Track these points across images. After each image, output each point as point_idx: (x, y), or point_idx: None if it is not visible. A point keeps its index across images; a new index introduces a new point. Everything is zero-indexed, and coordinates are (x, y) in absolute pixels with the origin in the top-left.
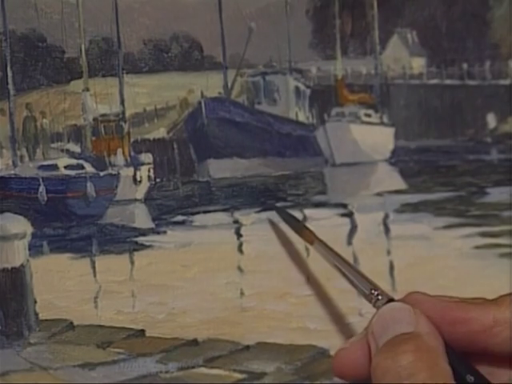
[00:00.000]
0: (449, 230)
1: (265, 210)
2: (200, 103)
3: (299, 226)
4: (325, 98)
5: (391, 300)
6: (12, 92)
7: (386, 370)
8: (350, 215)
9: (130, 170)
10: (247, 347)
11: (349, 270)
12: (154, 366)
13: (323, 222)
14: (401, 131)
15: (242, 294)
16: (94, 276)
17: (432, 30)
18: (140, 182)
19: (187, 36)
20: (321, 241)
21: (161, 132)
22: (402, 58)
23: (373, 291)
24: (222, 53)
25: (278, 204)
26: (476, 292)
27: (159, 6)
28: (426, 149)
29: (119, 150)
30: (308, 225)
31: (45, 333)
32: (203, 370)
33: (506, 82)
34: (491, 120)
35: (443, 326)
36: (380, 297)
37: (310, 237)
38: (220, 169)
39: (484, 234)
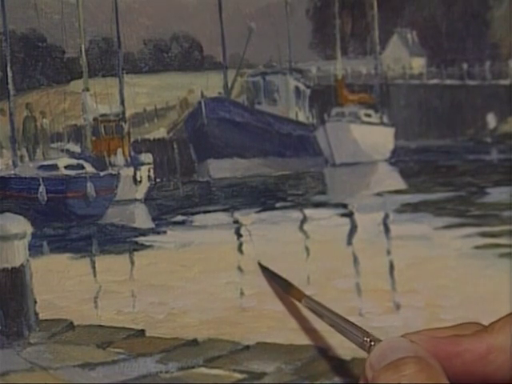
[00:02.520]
0: (449, 230)
1: (265, 210)
2: (200, 103)
3: (286, 285)
4: (325, 98)
5: None
6: (12, 92)
7: (387, 381)
8: (350, 215)
9: (130, 170)
10: (247, 347)
11: (340, 320)
12: (153, 365)
13: (323, 222)
14: (401, 131)
15: (241, 294)
16: (94, 276)
17: (432, 30)
18: (140, 181)
19: (187, 36)
20: (308, 297)
21: (161, 132)
22: (402, 57)
23: (366, 339)
24: (222, 53)
25: (278, 204)
26: (476, 292)
27: (159, 6)
28: (426, 149)
29: (119, 150)
30: (308, 225)
31: (45, 333)
32: (203, 369)
33: (506, 81)
34: (491, 120)
35: (439, 361)
36: (373, 343)
37: (297, 294)
38: (220, 169)
39: (484, 234)
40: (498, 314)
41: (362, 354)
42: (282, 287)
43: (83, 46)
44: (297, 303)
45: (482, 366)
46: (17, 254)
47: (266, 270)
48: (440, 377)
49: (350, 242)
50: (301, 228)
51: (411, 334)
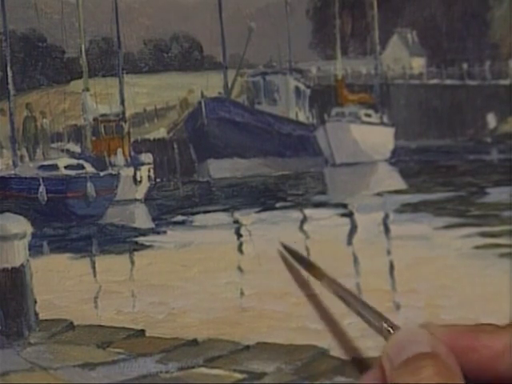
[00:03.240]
0: (449, 230)
1: (265, 210)
2: (200, 103)
3: (308, 264)
4: (325, 97)
5: None
6: (12, 92)
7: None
8: (350, 215)
9: (130, 170)
10: (247, 347)
11: (359, 303)
12: (153, 365)
13: (323, 221)
14: (401, 131)
15: (241, 294)
16: (94, 276)
17: (432, 30)
18: (140, 181)
19: (187, 36)
20: (329, 277)
21: (161, 132)
22: (402, 57)
23: (384, 324)
24: (222, 53)
25: (278, 204)
26: (476, 292)
27: (159, 7)
28: (425, 149)
29: (119, 150)
30: (308, 225)
31: (45, 333)
32: (203, 369)
33: (506, 81)
34: (491, 120)
35: (455, 354)
36: (391, 329)
37: (318, 273)
38: (220, 169)
39: (484, 234)
40: (498, 314)
41: (361, 353)
42: (303, 265)
43: (83, 46)
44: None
45: (498, 363)
46: (17, 254)
47: (287, 249)
48: (456, 378)
49: (350, 242)
50: (301, 228)
51: (429, 325)
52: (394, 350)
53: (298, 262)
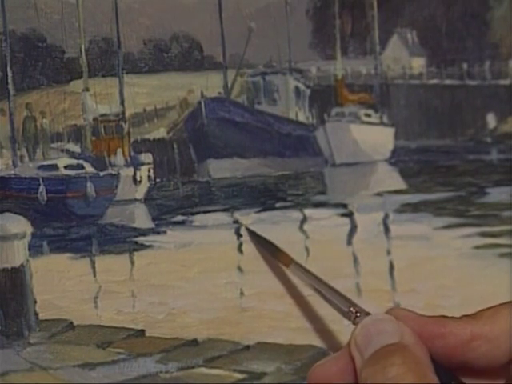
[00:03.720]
0: (449, 230)
1: (265, 210)
2: (200, 103)
3: (274, 250)
4: (325, 97)
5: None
6: (12, 92)
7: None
8: (350, 215)
9: (130, 170)
10: (247, 347)
11: (326, 289)
12: (153, 365)
13: (323, 222)
14: (401, 131)
15: (241, 294)
16: (94, 276)
17: (432, 30)
18: (140, 181)
19: (187, 36)
20: (296, 263)
21: (161, 132)
22: (401, 57)
23: (351, 309)
24: (222, 53)
25: (278, 204)
26: (476, 292)
27: (159, 6)
28: (426, 149)
29: (119, 150)
30: (308, 225)
31: (45, 333)
32: (203, 369)
33: (506, 81)
34: (491, 120)
35: (422, 340)
36: (358, 314)
37: (285, 259)
38: (220, 169)
39: (484, 234)
40: None
41: None
42: (270, 252)
43: (83, 46)
44: (296, 299)
45: (463, 351)
46: (17, 254)
47: (253, 235)
48: (426, 370)
49: (350, 242)
50: (301, 228)
51: (397, 309)
52: (362, 340)
53: (265, 248)
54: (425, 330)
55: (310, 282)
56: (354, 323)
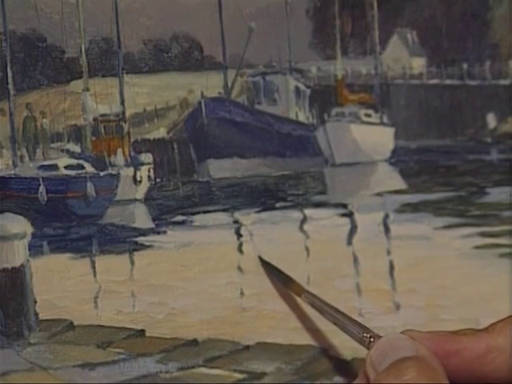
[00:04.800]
0: (449, 230)
1: (265, 210)
2: (200, 103)
3: (286, 280)
4: (325, 98)
5: None
6: (12, 92)
7: None
8: (350, 215)
9: (130, 170)
10: (247, 347)
11: (339, 316)
12: (153, 365)
13: (323, 221)
14: (401, 131)
15: (242, 294)
16: (94, 276)
17: (432, 30)
18: (140, 181)
19: (187, 36)
20: (308, 292)
21: (161, 132)
22: (401, 57)
23: (365, 335)
24: (222, 53)
25: (278, 204)
26: (476, 292)
27: (159, 6)
28: (426, 149)
29: (119, 150)
30: (308, 225)
31: (45, 333)
32: (203, 369)
33: (506, 81)
34: (491, 120)
35: (438, 358)
36: (372, 339)
37: (297, 288)
38: (220, 169)
39: (484, 234)
40: (497, 314)
41: (362, 354)
42: (282, 282)
43: (83, 46)
44: (297, 298)
45: (480, 365)
46: (17, 254)
47: (266, 265)
48: (441, 378)
49: (350, 242)
50: (301, 228)
51: (411, 331)
52: (377, 357)
53: (276, 278)
54: (440, 348)
55: (323, 309)
56: (368, 348)
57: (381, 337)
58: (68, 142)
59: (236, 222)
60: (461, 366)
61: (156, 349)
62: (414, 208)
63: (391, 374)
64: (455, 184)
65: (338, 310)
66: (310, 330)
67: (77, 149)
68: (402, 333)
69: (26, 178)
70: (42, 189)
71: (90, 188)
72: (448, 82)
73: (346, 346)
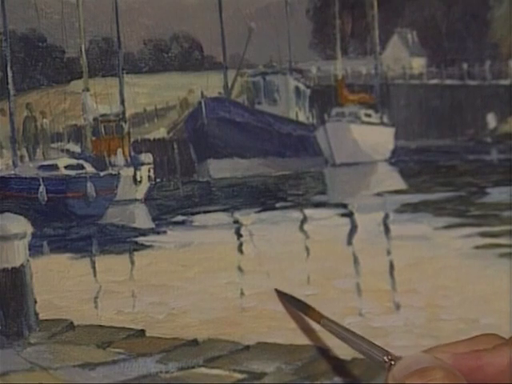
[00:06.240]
0: (449, 230)
1: (265, 210)
2: (200, 103)
3: (304, 307)
4: (325, 97)
5: None
6: (12, 92)
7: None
8: (350, 215)
9: (130, 170)
10: (247, 347)
11: (359, 341)
12: (153, 366)
13: (323, 221)
14: (401, 131)
15: (242, 294)
16: (94, 276)
17: (432, 30)
18: (140, 182)
19: (187, 36)
20: (327, 318)
21: (161, 132)
22: (401, 58)
23: (386, 358)
24: (222, 53)
25: (278, 204)
26: (476, 292)
27: (159, 6)
28: (426, 149)
29: (119, 150)
30: (308, 225)
31: (45, 333)
32: (203, 369)
33: (506, 81)
34: (491, 120)
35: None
36: (393, 362)
37: (316, 315)
38: (220, 169)
39: (484, 234)
40: (497, 314)
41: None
42: (300, 309)
43: (83, 46)
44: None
45: (504, 378)
46: (17, 254)
47: (282, 295)
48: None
49: (350, 242)
50: (301, 228)
51: (432, 350)
52: (399, 372)
53: (294, 307)
54: (462, 364)
55: (342, 335)
56: (389, 371)
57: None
58: (68, 142)
59: (236, 221)
60: (484, 381)
61: (156, 349)
62: (414, 208)
63: (415, 375)
64: (455, 184)
65: (357, 335)
66: (310, 330)
67: (77, 149)
68: (423, 351)
69: (26, 177)
70: (42, 189)
71: (90, 188)
72: (448, 81)
73: (346, 346)
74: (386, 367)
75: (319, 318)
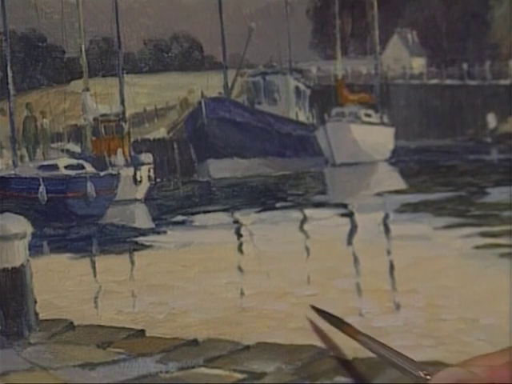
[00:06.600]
0: (449, 230)
1: (265, 210)
2: (200, 103)
3: (340, 323)
4: (325, 97)
5: None
6: (12, 92)
7: None
8: (350, 215)
9: (130, 170)
10: (247, 347)
11: (395, 356)
12: (153, 365)
13: (323, 221)
14: (401, 131)
15: (242, 294)
16: (94, 276)
17: (432, 30)
18: (140, 181)
19: (187, 36)
20: (363, 334)
21: (161, 132)
22: (402, 58)
23: (422, 373)
24: (223, 53)
25: (278, 204)
26: (476, 292)
27: (159, 7)
28: (426, 149)
29: (119, 150)
30: (308, 225)
31: (45, 333)
32: (203, 369)
33: (506, 81)
34: (491, 120)
35: None
36: (429, 377)
37: (352, 331)
38: (220, 169)
39: (484, 234)
40: (498, 314)
41: (362, 354)
42: (336, 325)
43: (83, 46)
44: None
45: None
46: (17, 254)
47: (320, 312)
48: None
49: (350, 242)
50: (301, 228)
51: (467, 364)
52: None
53: (330, 323)
54: (499, 377)
55: (379, 350)
56: None
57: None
58: (68, 141)
59: (236, 221)
60: None
61: (156, 349)
62: (414, 208)
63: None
64: (455, 184)
65: (393, 350)
66: (309, 331)
67: (77, 149)
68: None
69: (26, 177)
70: (42, 189)
71: (90, 188)
72: (448, 81)
73: (347, 346)
74: (422, 382)
75: (355, 334)
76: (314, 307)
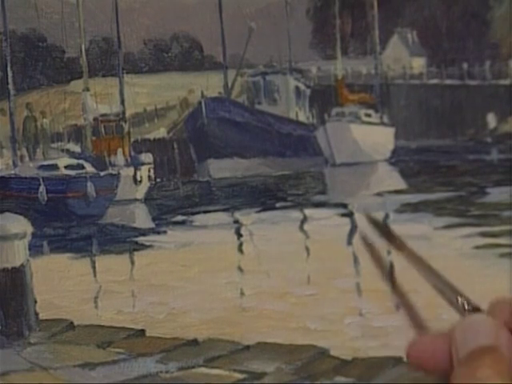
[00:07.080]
0: (449, 230)
1: (265, 209)
2: (200, 103)
3: (389, 234)
4: (325, 97)
5: (477, 309)
6: (12, 92)
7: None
8: (349, 215)
9: (131, 170)
10: (247, 347)
11: (436, 277)
12: (154, 365)
13: (323, 221)
14: (401, 131)
15: (242, 293)
16: (94, 276)
17: (432, 29)
18: (140, 181)
19: (187, 36)
20: (410, 249)
21: (161, 132)
22: (402, 58)
23: (459, 299)
24: (223, 53)
25: (278, 204)
26: (476, 292)
27: (159, 7)
28: (426, 149)
29: (119, 150)
30: (308, 225)
31: (45, 333)
32: (203, 369)
33: (506, 81)
34: (491, 120)
35: None
36: (466, 305)
37: (400, 244)
38: (220, 169)
39: (484, 234)
40: None
41: (362, 354)
42: (385, 236)
43: (83, 46)
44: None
45: None
46: (17, 254)
47: (369, 219)
48: (509, 372)
49: (350, 242)
50: (301, 228)
51: (504, 304)
52: (460, 338)
53: (380, 233)
54: None
55: (421, 268)
56: (459, 313)
57: (474, 305)
58: (68, 141)
59: (236, 221)
60: None
61: (156, 349)
62: (414, 208)
63: (468, 372)
64: (455, 184)
65: (436, 272)
66: (309, 331)
67: (77, 149)
68: (495, 302)
69: (26, 177)
70: (42, 189)
71: (90, 188)
72: (448, 81)
73: (347, 345)
74: (458, 308)
75: (402, 247)
76: (366, 214)
